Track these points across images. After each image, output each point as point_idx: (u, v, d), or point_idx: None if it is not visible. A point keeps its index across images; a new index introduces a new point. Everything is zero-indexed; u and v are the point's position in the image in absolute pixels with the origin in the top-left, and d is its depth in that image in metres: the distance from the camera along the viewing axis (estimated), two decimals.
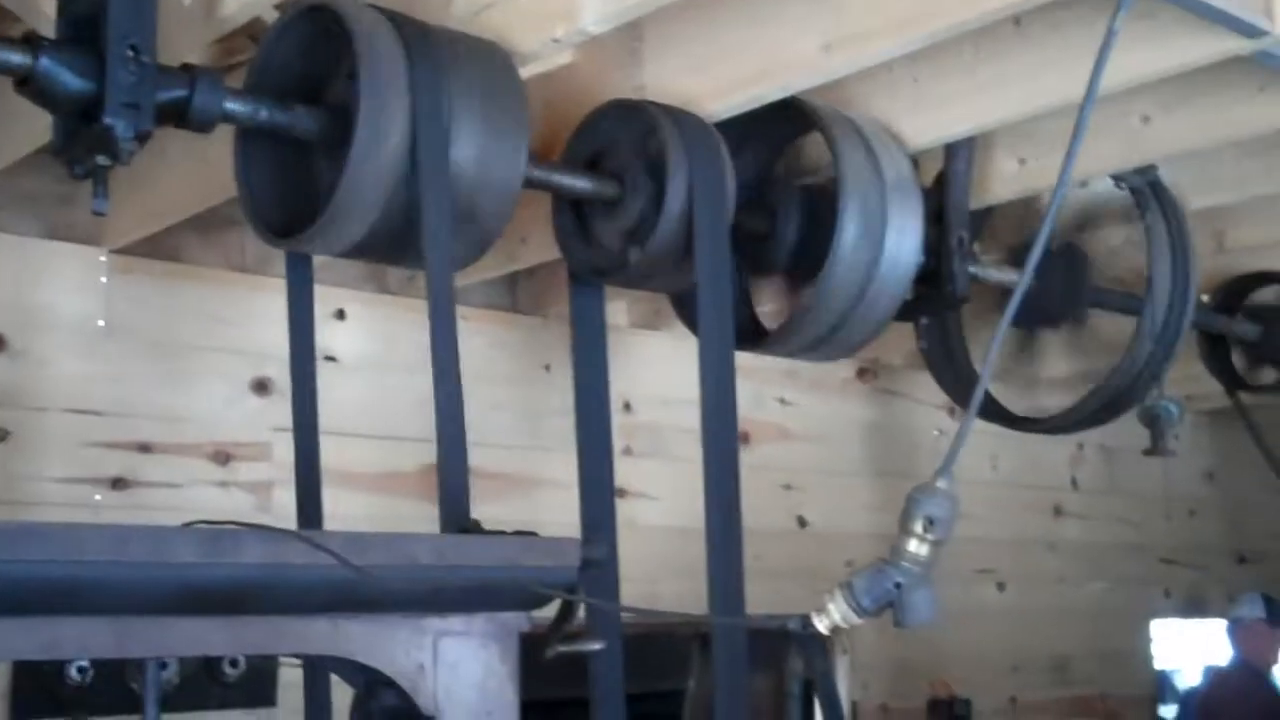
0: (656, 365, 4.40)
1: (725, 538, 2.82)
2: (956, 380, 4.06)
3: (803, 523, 4.81)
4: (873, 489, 4.90)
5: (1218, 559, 6.51)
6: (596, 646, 2.49)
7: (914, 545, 1.87)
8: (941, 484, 1.87)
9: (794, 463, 4.83)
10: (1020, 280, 1.94)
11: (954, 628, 5.07)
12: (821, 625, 1.90)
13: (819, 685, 4.61)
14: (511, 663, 2.11)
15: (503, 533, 2.17)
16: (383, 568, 1.95)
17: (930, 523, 1.85)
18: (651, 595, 3.77)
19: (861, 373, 5.10)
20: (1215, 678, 6.39)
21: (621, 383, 4.21)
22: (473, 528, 2.25)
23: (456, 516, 2.32)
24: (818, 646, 4.62)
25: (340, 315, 3.79)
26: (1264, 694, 6.10)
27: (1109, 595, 5.90)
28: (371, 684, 2.09)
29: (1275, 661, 6.13)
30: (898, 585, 1.86)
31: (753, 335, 3.48)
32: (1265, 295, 4.87)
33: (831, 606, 1.90)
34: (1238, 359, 5.04)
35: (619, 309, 4.28)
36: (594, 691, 3.10)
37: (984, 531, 5.36)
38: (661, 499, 4.37)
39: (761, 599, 3.22)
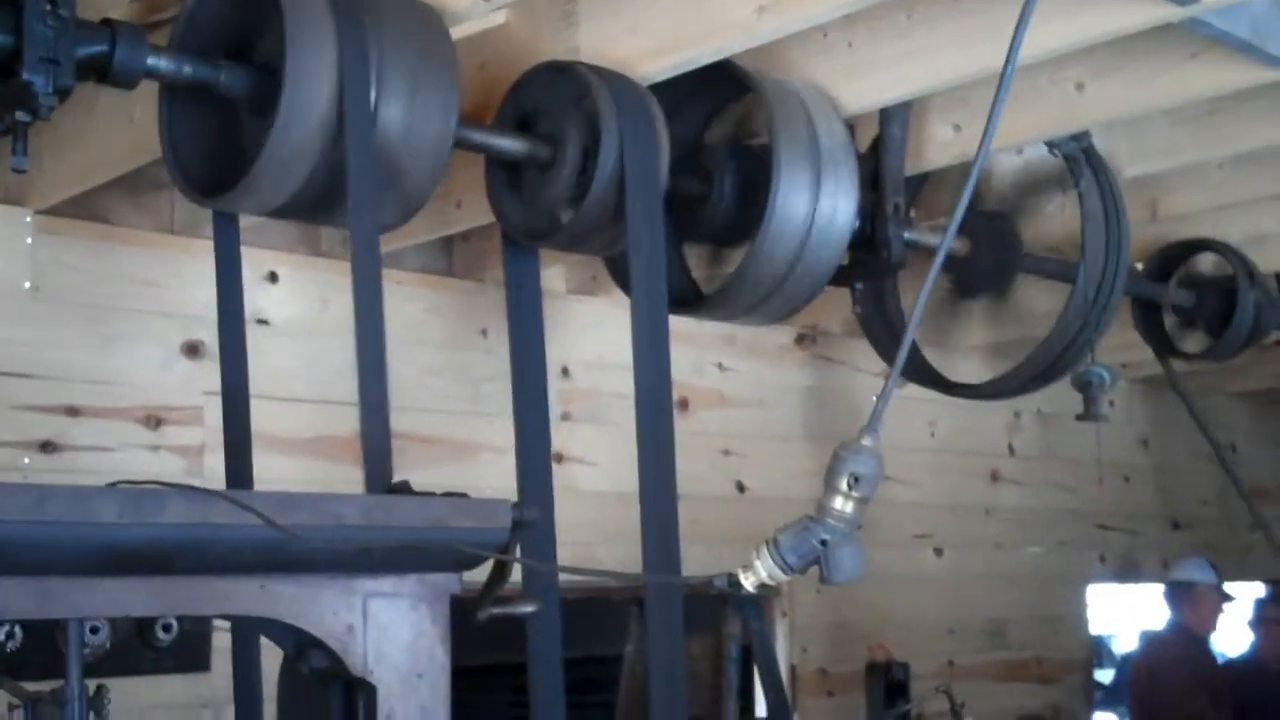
0: (594, 331, 4.40)
1: (659, 499, 2.82)
2: (892, 345, 4.07)
3: (741, 488, 4.84)
4: (811, 454, 4.92)
5: (1152, 524, 6.60)
6: (530, 609, 2.47)
7: (839, 502, 1.87)
8: (867, 441, 1.88)
9: (732, 428, 4.84)
10: (942, 241, 1.94)
11: (892, 592, 5.13)
12: (748, 583, 1.90)
13: (757, 649, 4.64)
14: (443, 624, 2.10)
15: (432, 494, 2.15)
16: (309, 528, 1.93)
17: (855, 480, 1.85)
18: (591, 559, 3.77)
19: (800, 339, 5.12)
20: (1152, 643, 6.48)
21: (559, 348, 4.21)
22: (402, 489, 2.23)
23: (380, 477, 2.30)
24: (755, 610, 4.65)
25: (272, 278, 3.75)
26: (1203, 659, 6.19)
27: (1045, 560, 5.97)
28: (301, 645, 2.08)
29: (1216, 628, 6.22)
30: (823, 542, 1.87)
31: (689, 299, 3.47)
32: (1198, 263, 4.92)
33: (758, 564, 1.90)
34: (1170, 326, 5.09)
35: (556, 274, 4.27)
36: (531, 656, 3.09)
37: (922, 497, 5.41)
38: (600, 464, 4.37)
39: (701, 564, 3.21)
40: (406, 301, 3.98)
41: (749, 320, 3.55)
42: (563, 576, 3.04)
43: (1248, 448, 6.95)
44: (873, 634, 5.10)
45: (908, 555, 5.38)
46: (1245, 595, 6.53)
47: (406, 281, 4.00)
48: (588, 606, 4.56)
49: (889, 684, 4.98)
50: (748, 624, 4.66)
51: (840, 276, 3.54)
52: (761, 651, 4.65)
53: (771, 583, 1.90)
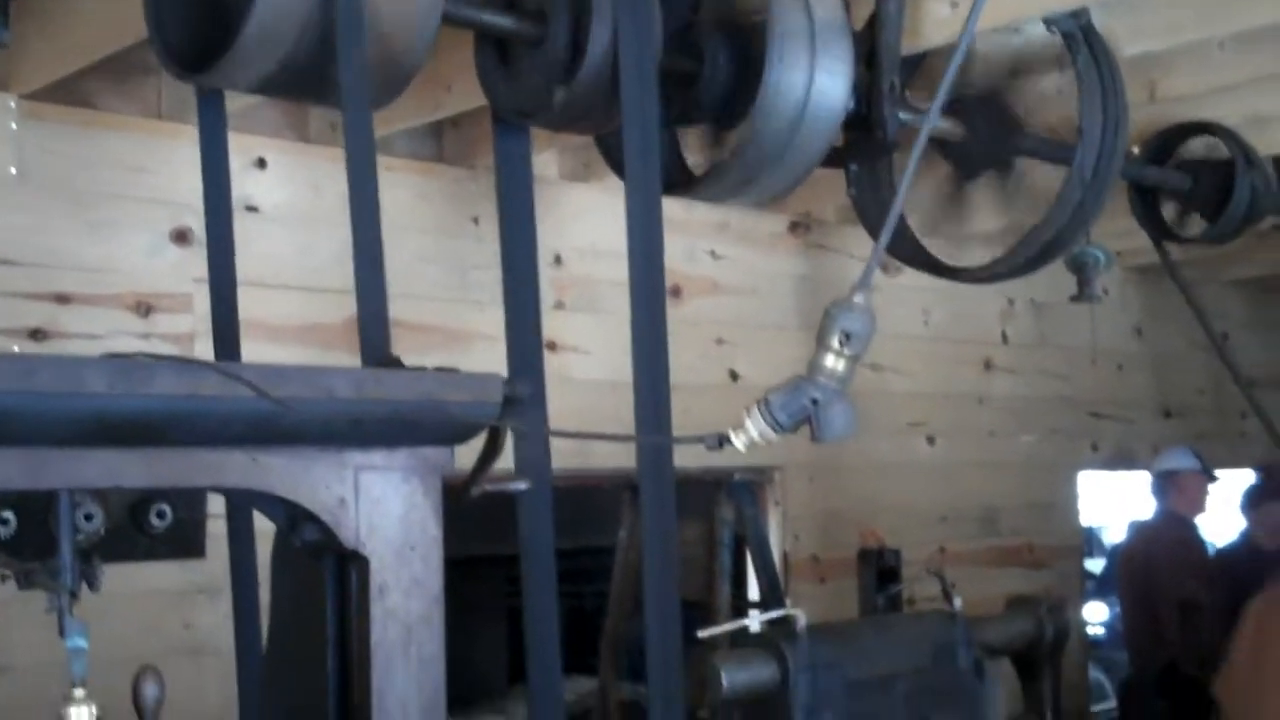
0: (587, 218, 4.37)
1: (652, 385, 2.79)
2: None
3: (734, 376, 4.83)
4: (805, 343, 4.78)
5: (1144, 413, 6.62)
6: (522, 486, 2.48)
7: (830, 360, 1.86)
8: (858, 299, 1.87)
9: (725, 316, 4.83)
10: (929, 117, 1.91)
11: (885, 480, 5.15)
12: (739, 442, 1.90)
13: (750, 535, 4.68)
14: (435, 498, 2.10)
15: (423, 368, 2.14)
16: (300, 400, 1.92)
17: (847, 337, 1.84)
18: (584, 449, 3.77)
19: (793, 227, 5.09)
20: (1143, 530, 6.53)
21: (552, 236, 4.18)
22: (393, 363, 2.21)
23: (375, 353, 2.28)
24: (749, 497, 4.67)
25: (261, 164, 3.72)
26: (1194, 543, 6.27)
27: (1037, 448, 6.00)
28: (293, 519, 2.08)
29: (1203, 510, 6.29)
30: (814, 401, 1.86)
31: (681, 181, 3.44)
32: (1195, 146, 4.88)
33: (749, 423, 1.89)
34: (1167, 211, 5.05)
35: (548, 160, 4.22)
36: (523, 541, 3.09)
37: (915, 385, 5.41)
38: (593, 353, 4.36)
39: (694, 450, 3.23)
40: (396, 188, 3.94)
41: (741, 200, 3.52)
42: (555, 465, 3.03)
43: (1241, 337, 6.95)
44: (865, 521, 5.12)
45: (900, 444, 5.39)
46: (1236, 483, 6.57)
47: (396, 168, 3.96)
48: (581, 495, 4.58)
49: (880, 570, 5.00)
50: (741, 510, 4.69)
51: (835, 158, 3.50)
52: (754, 538, 4.69)
53: (762, 442, 1.90)
